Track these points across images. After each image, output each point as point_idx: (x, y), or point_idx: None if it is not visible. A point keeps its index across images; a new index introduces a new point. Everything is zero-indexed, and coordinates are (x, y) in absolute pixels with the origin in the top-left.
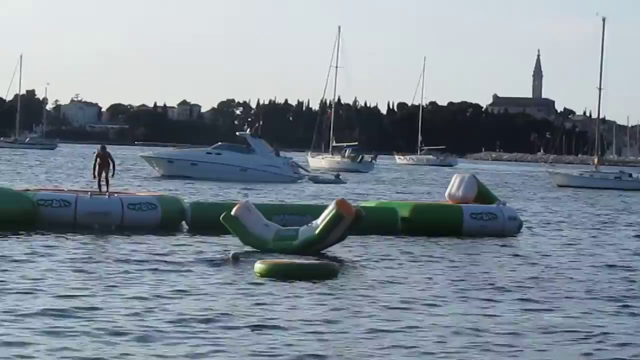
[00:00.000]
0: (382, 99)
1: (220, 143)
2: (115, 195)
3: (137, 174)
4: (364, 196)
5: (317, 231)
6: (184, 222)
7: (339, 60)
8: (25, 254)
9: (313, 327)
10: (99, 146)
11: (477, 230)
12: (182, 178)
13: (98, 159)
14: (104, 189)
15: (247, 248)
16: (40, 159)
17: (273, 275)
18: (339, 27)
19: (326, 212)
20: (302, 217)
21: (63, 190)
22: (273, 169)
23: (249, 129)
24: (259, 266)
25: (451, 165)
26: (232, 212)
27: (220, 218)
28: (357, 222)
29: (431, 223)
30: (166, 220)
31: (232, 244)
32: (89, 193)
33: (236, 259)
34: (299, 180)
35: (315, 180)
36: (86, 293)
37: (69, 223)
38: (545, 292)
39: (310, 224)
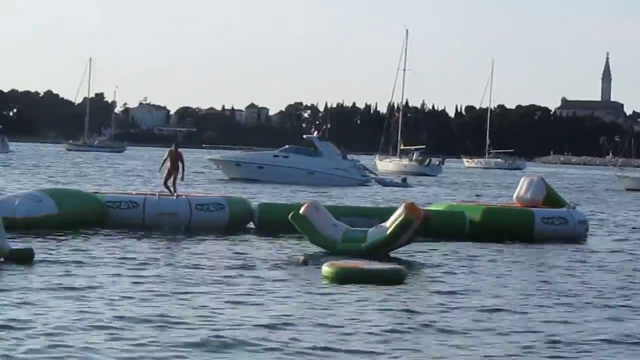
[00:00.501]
0: (450, 102)
1: (287, 146)
2: (183, 196)
3: (205, 177)
4: (432, 199)
5: (386, 234)
6: (251, 223)
7: (407, 63)
8: (94, 257)
9: (381, 334)
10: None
11: (549, 234)
12: (249, 181)
13: (169, 157)
14: (172, 189)
15: (316, 249)
16: (108, 161)
17: (341, 278)
18: (407, 30)
19: (395, 215)
20: (369, 219)
21: (131, 192)
22: (340, 172)
23: (316, 132)
24: (326, 269)
25: (519, 169)
26: (301, 211)
27: (289, 217)
28: (424, 225)
29: (501, 227)
30: (234, 220)
31: (300, 245)
32: (157, 194)
33: (305, 262)
34: (367, 184)
35: (382, 183)
36: (155, 298)
37: (137, 224)
38: (627, 300)
39: (378, 226)
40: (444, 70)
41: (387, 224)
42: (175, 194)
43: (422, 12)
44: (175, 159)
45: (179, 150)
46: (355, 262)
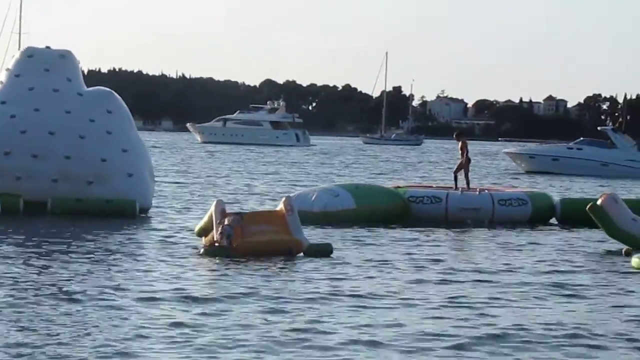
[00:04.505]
0: None
1: (581, 138)
2: (486, 191)
3: (500, 170)
4: None
5: None
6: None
7: None
8: (389, 257)
9: None
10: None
11: None
12: (543, 174)
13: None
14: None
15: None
16: (406, 155)
17: None
18: None
19: None
20: None
21: (432, 186)
22: (635, 164)
23: (611, 124)
24: (636, 260)
25: None
26: (598, 203)
27: (587, 208)
28: None
29: None
30: (536, 216)
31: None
32: (460, 189)
33: (629, 254)
34: None
35: None
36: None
37: (440, 219)
38: None
39: None
40: None
41: None
42: (478, 189)
43: None
44: (461, 149)
45: (462, 138)
46: None
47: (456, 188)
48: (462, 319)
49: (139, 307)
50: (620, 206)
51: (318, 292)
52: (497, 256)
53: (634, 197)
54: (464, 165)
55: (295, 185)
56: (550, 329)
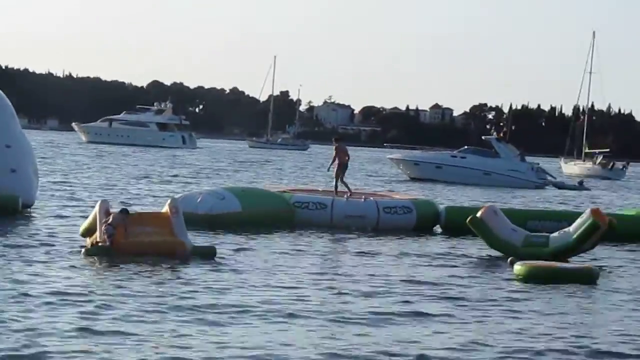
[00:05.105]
0: (637, 105)
1: (466, 147)
2: (371, 198)
3: (385, 177)
4: (607, 204)
5: (572, 239)
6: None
7: (593, 66)
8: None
9: (572, 331)
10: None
11: None
12: (427, 181)
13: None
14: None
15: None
16: (293, 159)
17: (532, 277)
18: (594, 32)
19: (580, 220)
20: (558, 223)
21: (318, 191)
22: (516, 174)
23: (495, 133)
24: (518, 268)
25: None
26: (478, 215)
27: (467, 221)
28: (609, 232)
29: None
30: (421, 223)
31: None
32: (345, 196)
33: (513, 263)
34: (546, 187)
35: (559, 186)
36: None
37: (325, 225)
38: None
39: (561, 232)
40: (632, 73)
41: (571, 229)
42: (346, 195)
43: (610, 13)
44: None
45: (341, 144)
46: (545, 262)
47: (336, 193)
48: (349, 335)
49: (19, 309)
50: (500, 218)
51: (198, 299)
52: (382, 266)
53: (521, 207)
54: (340, 170)
55: (181, 187)
56: (444, 343)
